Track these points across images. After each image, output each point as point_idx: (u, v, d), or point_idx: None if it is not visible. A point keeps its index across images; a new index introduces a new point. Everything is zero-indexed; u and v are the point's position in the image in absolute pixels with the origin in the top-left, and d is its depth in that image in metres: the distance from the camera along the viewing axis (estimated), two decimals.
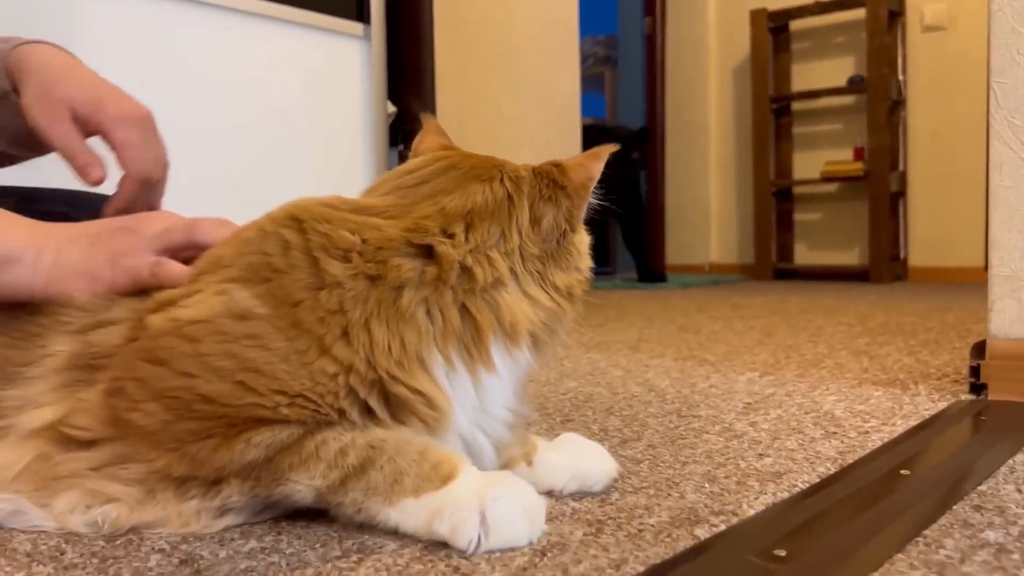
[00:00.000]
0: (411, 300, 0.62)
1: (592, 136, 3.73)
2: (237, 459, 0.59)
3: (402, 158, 2.32)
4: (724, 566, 0.58)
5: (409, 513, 0.59)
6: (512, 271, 0.66)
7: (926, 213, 3.98)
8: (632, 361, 1.52)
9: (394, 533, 0.60)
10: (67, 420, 0.61)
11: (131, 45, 1.64)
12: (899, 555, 0.58)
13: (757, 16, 4.29)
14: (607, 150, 0.69)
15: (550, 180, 0.69)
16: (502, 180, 0.68)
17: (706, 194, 4.69)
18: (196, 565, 0.57)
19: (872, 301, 2.77)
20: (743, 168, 4.53)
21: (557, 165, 0.69)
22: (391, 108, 2.21)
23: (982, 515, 0.66)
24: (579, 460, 0.73)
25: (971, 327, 1.94)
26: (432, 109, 2.31)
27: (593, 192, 0.70)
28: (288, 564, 0.57)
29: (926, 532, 0.62)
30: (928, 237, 3.98)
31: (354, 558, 0.58)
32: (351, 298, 0.61)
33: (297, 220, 0.64)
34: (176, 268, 0.66)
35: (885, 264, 3.83)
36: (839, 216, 4.21)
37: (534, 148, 3.36)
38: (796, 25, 4.32)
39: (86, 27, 1.57)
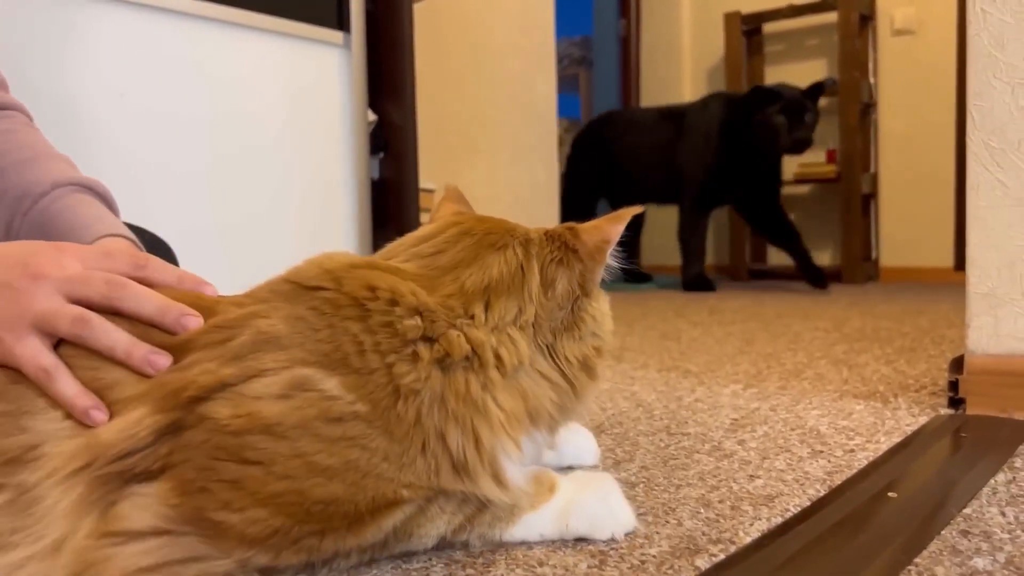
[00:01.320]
0: (477, 387, 0.61)
1: (756, 98, 3.31)
2: (369, 541, 0.60)
3: (383, 166, 2.33)
4: None
5: (533, 525, 0.67)
6: (529, 347, 0.64)
7: (897, 214, 4.05)
8: (617, 372, 1.53)
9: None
10: (115, 525, 0.53)
11: (115, 55, 1.62)
12: None
13: (731, 19, 4.33)
14: (629, 213, 0.68)
15: (561, 243, 0.68)
16: (514, 248, 0.67)
17: None
18: None
19: (846, 304, 2.81)
20: None
21: (570, 228, 0.69)
22: (372, 116, 2.21)
23: (969, 540, 0.68)
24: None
25: (944, 332, 1.98)
26: (412, 116, 2.31)
27: (613, 255, 0.69)
28: None
29: (917, 560, 0.64)
30: (898, 238, 4.05)
31: None
32: (427, 403, 0.59)
33: (358, 305, 0.60)
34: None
35: (857, 265, 3.89)
36: (812, 217, 4.27)
37: (512, 151, 3.37)
38: (769, 28, 4.37)
39: (60, 37, 1.55)
